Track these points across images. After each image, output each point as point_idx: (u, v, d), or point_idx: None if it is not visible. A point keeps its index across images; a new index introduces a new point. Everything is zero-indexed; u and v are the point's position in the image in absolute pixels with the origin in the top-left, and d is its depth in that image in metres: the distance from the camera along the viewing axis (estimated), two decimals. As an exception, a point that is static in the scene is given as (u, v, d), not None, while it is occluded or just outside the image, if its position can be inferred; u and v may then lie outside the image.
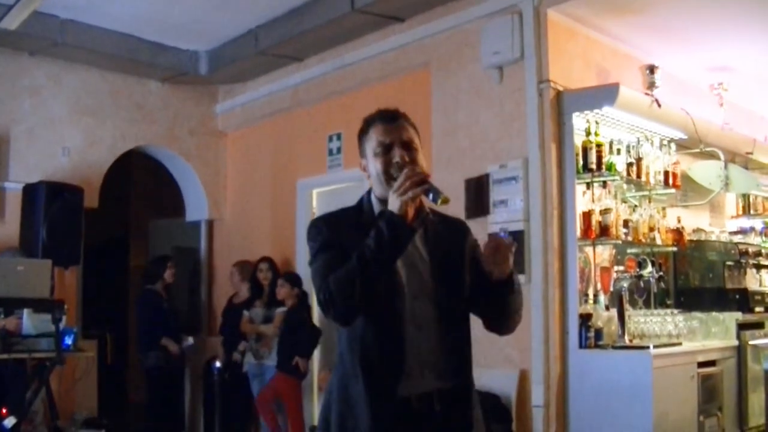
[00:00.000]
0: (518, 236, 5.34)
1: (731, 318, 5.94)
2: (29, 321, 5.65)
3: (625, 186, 5.79)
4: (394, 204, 2.37)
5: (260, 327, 7.02)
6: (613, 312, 5.45)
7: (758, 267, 6.67)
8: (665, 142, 5.96)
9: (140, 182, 11.11)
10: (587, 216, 5.41)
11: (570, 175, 5.39)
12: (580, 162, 5.42)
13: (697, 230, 6.53)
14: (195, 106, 8.39)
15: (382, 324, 2.47)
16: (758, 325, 6.11)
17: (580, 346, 5.23)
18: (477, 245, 2.67)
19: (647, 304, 5.84)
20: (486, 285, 2.52)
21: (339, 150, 7.16)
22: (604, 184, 5.56)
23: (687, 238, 6.22)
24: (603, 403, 5.07)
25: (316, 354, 7.03)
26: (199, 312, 8.62)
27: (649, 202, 5.94)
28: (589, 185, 5.53)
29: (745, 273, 6.47)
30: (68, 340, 5.86)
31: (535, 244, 5.33)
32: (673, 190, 6.00)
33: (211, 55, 7.76)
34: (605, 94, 5.38)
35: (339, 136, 7.16)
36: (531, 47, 5.46)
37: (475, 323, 2.64)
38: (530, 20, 5.47)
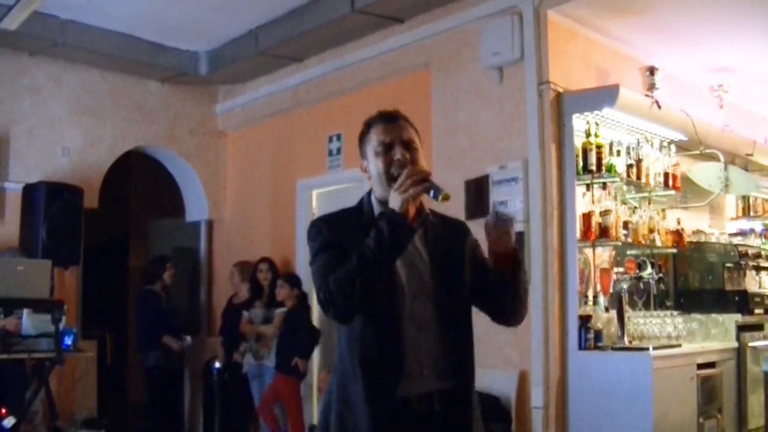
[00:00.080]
0: (518, 237, 5.33)
1: (731, 320, 5.94)
2: (29, 321, 5.65)
3: (624, 187, 5.79)
4: (395, 202, 2.39)
5: (260, 327, 7.02)
6: (613, 313, 5.46)
7: (758, 269, 6.66)
8: (665, 144, 5.96)
9: (140, 182, 11.11)
10: (587, 217, 5.41)
11: (570, 177, 5.39)
12: (580, 163, 5.42)
13: (697, 232, 6.53)
14: (195, 106, 8.39)
15: (381, 324, 2.47)
16: (758, 327, 6.10)
17: (580, 348, 5.23)
18: (477, 245, 2.68)
19: (647, 306, 5.84)
20: (490, 277, 2.57)
21: (339, 150, 7.16)
22: (604, 186, 5.56)
23: (687, 239, 6.22)
24: (602, 405, 5.07)
25: (316, 354, 7.03)
26: (199, 312, 8.61)
27: (649, 203, 5.94)
28: (588, 186, 5.53)
29: (745, 275, 6.46)
30: (68, 341, 5.86)
31: (535, 245, 5.33)
32: (672, 192, 6.00)
33: (211, 56, 7.76)
34: (605, 96, 5.38)
35: (339, 137, 7.16)
36: (531, 48, 5.46)
37: (477, 323, 2.63)
38: (530, 21, 5.46)
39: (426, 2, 6.04)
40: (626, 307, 5.42)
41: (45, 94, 7.36)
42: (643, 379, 4.91)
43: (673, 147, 6.00)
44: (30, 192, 6.85)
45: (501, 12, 5.63)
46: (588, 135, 5.45)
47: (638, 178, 5.70)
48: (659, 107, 5.71)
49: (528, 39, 5.47)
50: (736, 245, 6.58)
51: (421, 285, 2.53)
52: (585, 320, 5.26)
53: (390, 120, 2.62)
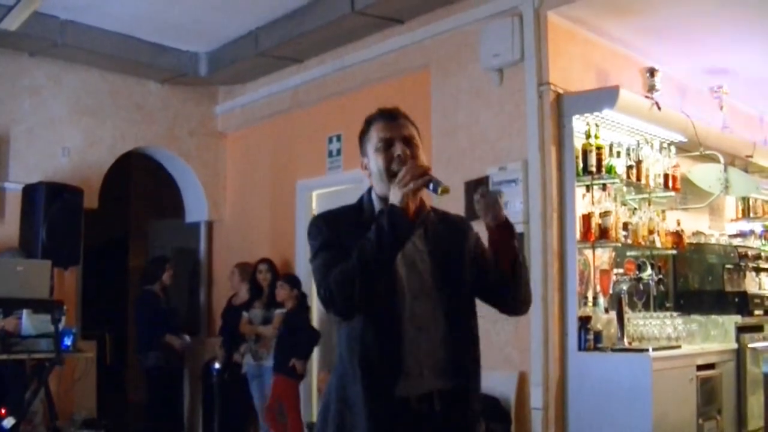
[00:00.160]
0: (518, 238, 5.32)
1: (730, 321, 5.94)
2: (29, 321, 5.66)
3: (624, 189, 5.80)
4: (395, 197, 2.39)
5: (259, 328, 7.01)
6: (613, 314, 5.46)
7: (758, 270, 6.66)
8: (665, 145, 5.96)
9: (140, 183, 11.11)
10: (587, 218, 5.41)
11: (570, 178, 5.39)
12: (580, 164, 5.42)
13: (697, 233, 6.53)
14: (195, 106, 8.39)
15: (381, 324, 2.47)
16: (757, 328, 6.10)
17: (579, 349, 5.23)
18: (479, 241, 2.69)
19: (646, 307, 5.85)
20: (491, 276, 2.58)
21: (339, 151, 7.16)
22: (604, 187, 5.56)
23: (686, 240, 6.22)
24: (602, 406, 5.07)
25: (315, 355, 7.03)
26: (198, 313, 8.62)
27: (649, 204, 5.94)
28: (588, 188, 5.53)
29: (745, 276, 6.46)
30: (67, 341, 5.87)
31: (535, 246, 5.33)
32: (672, 193, 6.01)
33: (211, 56, 7.76)
34: (605, 97, 5.39)
35: (339, 138, 7.16)
36: (531, 49, 5.46)
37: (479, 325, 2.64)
38: (530, 22, 5.47)
39: (426, 3, 6.05)
40: (626, 308, 5.42)
41: (45, 95, 7.36)
42: (642, 381, 4.91)
43: (673, 148, 6.00)
44: (30, 192, 6.85)
45: (501, 13, 5.63)
46: (588, 136, 5.46)
47: (638, 179, 5.71)
48: (659, 109, 5.71)
49: (528, 40, 5.47)
50: (735, 246, 6.58)
51: (422, 284, 2.53)
52: (585, 321, 5.26)
53: (390, 117, 2.63)
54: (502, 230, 2.59)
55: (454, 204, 5.24)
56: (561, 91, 5.46)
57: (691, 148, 6.20)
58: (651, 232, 5.81)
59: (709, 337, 5.97)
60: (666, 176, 5.90)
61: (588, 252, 5.52)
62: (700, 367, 5.44)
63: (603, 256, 5.64)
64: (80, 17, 6.85)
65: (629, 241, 5.62)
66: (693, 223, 6.60)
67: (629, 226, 5.63)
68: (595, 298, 5.47)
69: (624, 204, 5.75)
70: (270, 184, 8.01)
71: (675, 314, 5.92)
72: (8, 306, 5.67)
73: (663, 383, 4.97)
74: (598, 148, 5.45)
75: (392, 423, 2.44)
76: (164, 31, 7.22)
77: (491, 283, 2.61)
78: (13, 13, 6.00)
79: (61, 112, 7.45)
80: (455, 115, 5.98)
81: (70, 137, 7.48)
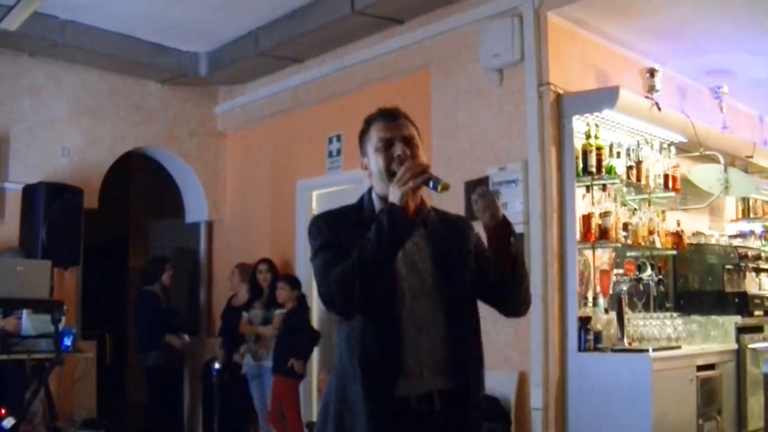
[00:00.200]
0: (518, 239, 5.32)
1: (730, 321, 5.93)
2: (29, 321, 5.66)
3: (624, 189, 5.79)
4: (395, 195, 2.40)
5: (259, 328, 7.01)
6: (613, 315, 5.46)
7: (757, 270, 6.66)
8: (665, 146, 5.96)
9: (140, 183, 11.11)
10: (587, 219, 5.41)
11: (570, 178, 5.39)
12: (580, 165, 5.42)
13: (697, 233, 6.53)
14: (195, 107, 8.39)
15: (381, 324, 2.47)
16: (757, 329, 6.10)
17: (579, 349, 5.23)
18: (480, 241, 2.69)
19: (646, 308, 5.85)
20: (490, 277, 2.59)
21: (339, 152, 7.16)
22: (604, 187, 5.56)
23: (686, 241, 6.22)
24: (602, 407, 5.07)
25: (315, 355, 7.03)
26: (198, 313, 8.62)
27: (649, 205, 5.94)
28: (588, 188, 5.53)
29: (745, 276, 6.46)
30: (67, 341, 5.87)
31: (535, 246, 5.33)
32: (672, 194, 6.01)
33: (211, 56, 7.76)
34: (605, 97, 5.39)
35: (339, 138, 7.16)
36: (531, 50, 5.46)
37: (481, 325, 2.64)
38: (530, 23, 5.46)
39: (426, 3, 6.05)
40: (626, 309, 5.42)
41: (45, 95, 7.36)
42: (642, 381, 4.91)
43: (673, 149, 6.00)
44: (30, 192, 6.85)
45: (501, 14, 5.63)
46: (588, 137, 5.46)
47: (638, 179, 5.71)
48: (659, 109, 5.71)
49: (528, 41, 5.47)
50: (735, 247, 6.58)
51: (422, 284, 2.53)
52: (585, 322, 5.26)
53: (390, 117, 2.63)
54: (501, 230, 2.58)
55: (454, 204, 5.25)
56: (561, 92, 5.46)
57: (691, 148, 6.20)
58: (651, 232, 5.81)
59: (709, 338, 5.97)
60: (666, 177, 5.90)
61: (588, 252, 5.52)
62: (700, 368, 5.44)
63: (603, 256, 5.64)
64: (80, 17, 6.85)
65: (629, 242, 5.62)
66: (693, 224, 6.60)
67: (629, 227, 5.63)
68: (595, 298, 5.47)
69: (624, 204, 5.75)
70: (270, 185, 8.01)
71: (675, 315, 5.92)
72: (8, 306, 5.67)
73: (663, 384, 4.97)
74: (598, 148, 5.45)
75: (392, 423, 2.44)
76: (164, 31, 7.22)
77: (491, 283, 2.61)
78: (13, 13, 6.00)
79: (61, 112, 7.45)
80: (455, 116, 5.98)
81: (70, 137, 7.48)
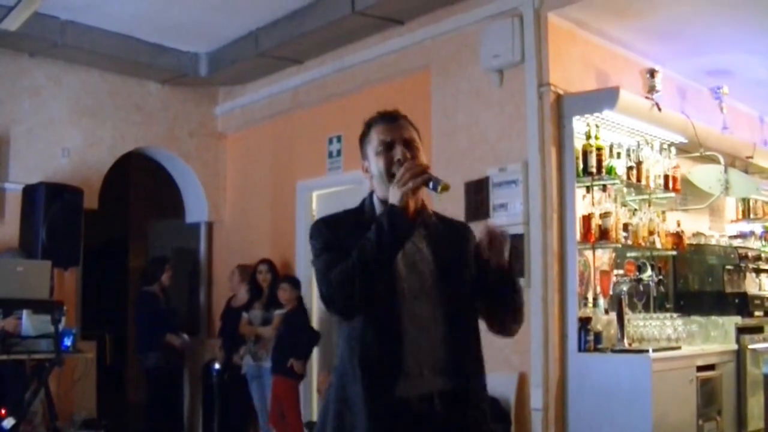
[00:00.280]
0: (518, 239, 5.33)
1: (730, 322, 5.93)
2: (29, 322, 5.66)
3: (625, 189, 5.79)
4: (394, 196, 2.40)
5: (259, 329, 7.01)
6: (613, 315, 5.45)
7: (758, 271, 6.66)
8: (665, 146, 5.96)
9: (140, 183, 11.11)
10: (587, 219, 5.41)
11: (570, 179, 5.39)
12: (580, 165, 5.42)
13: (697, 234, 6.53)
14: (195, 107, 8.39)
15: (381, 324, 2.47)
16: (757, 329, 6.10)
17: (579, 350, 5.23)
18: (479, 248, 2.68)
19: (646, 308, 5.85)
20: (486, 282, 2.56)
21: (339, 152, 7.16)
22: (604, 188, 5.56)
23: (686, 241, 6.23)
24: (602, 407, 5.07)
25: (315, 356, 7.03)
26: (198, 313, 8.62)
27: (649, 205, 5.94)
28: (589, 189, 5.53)
29: (745, 277, 6.47)
30: (67, 341, 5.87)
31: (535, 247, 5.33)
32: (672, 194, 6.01)
33: (211, 57, 7.76)
34: (605, 98, 5.39)
35: (339, 138, 7.16)
36: (531, 50, 5.46)
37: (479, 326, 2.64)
38: (531, 23, 5.46)
39: (426, 4, 6.04)
40: (626, 309, 5.42)
41: (45, 95, 7.36)
42: (642, 382, 4.91)
43: (673, 149, 6.00)
44: (30, 192, 6.85)
45: (501, 14, 5.63)
46: (588, 137, 5.46)
47: (638, 180, 5.71)
48: (659, 109, 5.71)
49: (528, 41, 5.47)
50: (736, 247, 6.59)
51: (422, 285, 2.53)
52: (585, 322, 5.26)
53: (390, 119, 2.63)
54: (501, 277, 2.56)
55: (454, 205, 5.26)
56: (561, 92, 5.47)
57: (692, 149, 6.21)
58: (651, 233, 5.81)
59: (709, 338, 5.97)
60: (666, 177, 5.90)
61: (588, 253, 5.51)
62: (700, 368, 5.44)
63: (603, 257, 5.64)
64: (80, 17, 6.85)
65: (629, 242, 5.62)
66: (693, 224, 6.60)
67: (629, 227, 5.63)
68: (595, 299, 5.47)
69: (624, 205, 5.75)
70: (270, 185, 8.01)
71: (675, 315, 5.92)
72: (8, 306, 5.67)
73: (663, 384, 4.97)
74: (599, 149, 5.45)
75: (392, 423, 2.44)
76: (164, 31, 7.22)
77: (491, 283, 2.61)
78: (14, 13, 6.00)
79: (61, 113, 7.45)
80: (455, 116, 5.98)
81: (70, 138, 7.48)
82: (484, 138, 5.76)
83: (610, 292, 5.52)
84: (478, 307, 2.64)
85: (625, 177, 5.62)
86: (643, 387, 4.90)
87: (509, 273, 2.58)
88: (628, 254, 5.85)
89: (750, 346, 5.91)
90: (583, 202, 5.50)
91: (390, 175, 2.53)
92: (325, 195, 7.39)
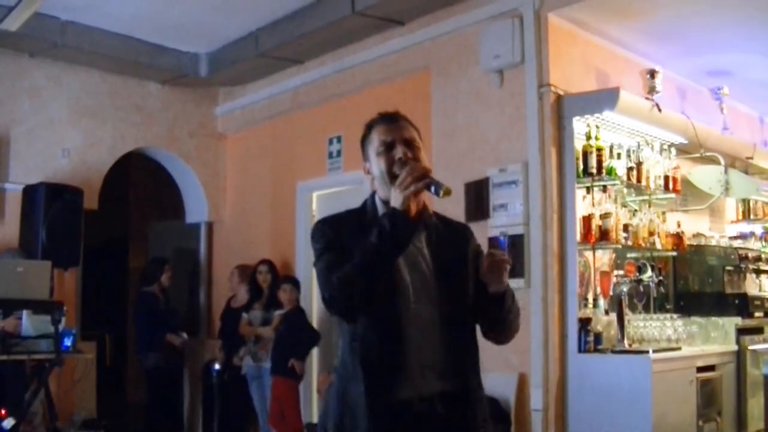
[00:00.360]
0: (518, 240, 5.34)
1: (731, 323, 5.93)
2: (29, 322, 5.66)
3: (625, 190, 5.79)
4: (396, 200, 2.40)
5: (258, 329, 7.01)
6: (613, 316, 5.45)
7: (758, 272, 6.66)
8: (665, 147, 5.96)
9: (140, 184, 11.12)
10: (587, 220, 5.41)
11: (570, 180, 5.39)
12: (581, 166, 5.42)
13: (697, 235, 6.53)
14: (195, 108, 8.39)
15: (383, 325, 2.47)
16: (758, 330, 6.10)
17: (580, 351, 5.22)
18: (480, 251, 2.68)
19: (647, 309, 5.84)
20: (483, 295, 2.56)
21: (339, 153, 7.16)
22: (604, 189, 5.56)
23: (687, 242, 6.22)
24: (602, 408, 5.07)
25: (315, 356, 7.03)
26: (198, 314, 8.61)
27: (649, 206, 5.94)
28: (589, 189, 5.52)
29: (745, 278, 6.46)
30: (67, 342, 5.87)
31: (535, 248, 5.33)
32: (673, 195, 6.01)
33: (212, 57, 7.76)
34: (606, 99, 5.39)
35: (339, 139, 7.16)
36: (531, 51, 5.46)
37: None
38: (531, 24, 5.46)
39: (426, 5, 6.04)
40: (626, 310, 5.41)
41: (45, 95, 7.36)
42: (642, 383, 4.91)
43: (673, 150, 6.00)
44: (30, 193, 6.85)
45: (502, 15, 5.63)
46: (588, 138, 5.46)
47: (638, 181, 5.71)
48: (659, 110, 5.71)
49: (528, 42, 5.47)
50: (736, 248, 6.59)
51: (424, 286, 2.53)
52: (585, 323, 5.26)
53: (391, 120, 2.64)
54: (498, 298, 2.57)
55: (454, 205, 5.25)
56: (561, 93, 5.46)
57: (692, 149, 6.21)
58: (651, 233, 5.81)
59: (710, 339, 5.97)
60: (666, 178, 5.90)
61: (588, 253, 5.51)
62: (700, 369, 5.44)
63: (603, 257, 5.63)
64: (80, 18, 6.84)
65: (629, 243, 5.62)
66: (693, 225, 6.60)
67: (629, 228, 5.62)
68: (595, 299, 5.47)
69: (624, 206, 5.75)
70: (270, 186, 8.01)
71: (675, 316, 5.92)
72: (8, 307, 5.67)
73: (663, 385, 4.97)
74: (599, 149, 5.45)
75: (393, 424, 2.44)
76: (164, 31, 7.22)
77: (488, 303, 2.60)
78: (14, 13, 6.00)
79: (61, 113, 7.45)
80: (455, 117, 5.98)
81: (70, 138, 7.48)
82: (484, 138, 5.76)
83: (610, 293, 5.52)
84: (480, 304, 2.64)
85: (625, 178, 5.62)
86: (643, 388, 4.89)
87: (507, 295, 2.58)
88: (629, 255, 5.85)
89: (750, 347, 5.91)
90: (584, 203, 5.50)
91: (391, 175, 2.53)
92: (326, 195, 7.39)
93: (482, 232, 5.29)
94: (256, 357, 6.97)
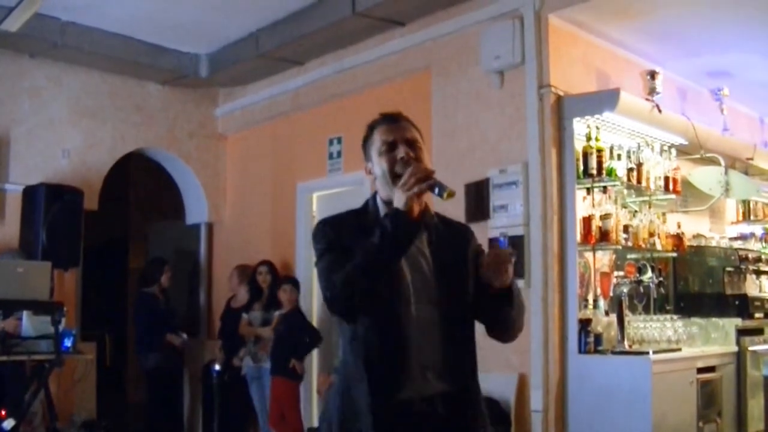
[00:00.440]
0: (518, 241, 5.34)
1: (731, 324, 5.93)
2: (29, 322, 5.65)
3: (625, 191, 5.79)
4: (399, 200, 2.40)
5: (258, 330, 7.01)
6: (613, 317, 5.45)
7: (758, 273, 6.65)
8: (666, 148, 5.96)
9: (140, 184, 11.11)
10: (587, 221, 5.42)
11: (570, 180, 5.39)
12: (581, 167, 5.42)
13: (697, 236, 6.53)
14: (195, 108, 8.39)
15: (384, 326, 2.47)
16: (758, 331, 6.10)
17: (580, 351, 5.22)
18: (481, 251, 2.67)
19: (647, 310, 5.84)
20: (487, 294, 2.54)
21: (339, 153, 7.16)
22: (605, 190, 5.56)
23: (687, 243, 6.22)
24: (602, 409, 5.07)
25: (316, 357, 7.03)
26: (198, 314, 8.61)
27: (650, 207, 5.94)
28: (589, 190, 5.53)
29: (745, 279, 6.46)
30: (67, 342, 5.86)
31: (535, 248, 5.33)
32: (673, 196, 6.01)
33: (212, 58, 7.76)
34: (606, 100, 5.39)
35: (339, 140, 7.16)
36: (532, 52, 5.46)
37: (477, 328, 2.64)
38: (531, 25, 5.47)
39: (427, 5, 6.04)
40: (626, 311, 5.41)
41: (45, 96, 7.36)
42: (642, 383, 4.91)
43: (673, 151, 6.00)
44: (30, 193, 6.85)
45: (502, 16, 5.63)
46: (588, 139, 5.46)
47: (639, 182, 5.71)
48: (660, 111, 5.71)
49: (529, 43, 5.47)
50: (736, 249, 6.59)
51: (425, 286, 2.53)
52: (585, 324, 5.26)
53: (393, 120, 2.64)
54: (502, 297, 2.54)
55: (454, 206, 5.24)
56: (561, 94, 5.47)
57: (692, 150, 6.21)
58: (651, 234, 5.81)
59: (710, 340, 5.97)
60: (666, 179, 5.91)
61: (588, 254, 5.51)
62: (700, 370, 5.44)
63: (603, 258, 5.63)
64: (80, 18, 6.84)
65: (630, 244, 5.62)
66: (693, 226, 6.60)
67: (630, 229, 5.62)
68: (595, 300, 5.47)
69: (624, 207, 5.75)
70: (270, 186, 8.01)
71: (675, 317, 5.92)
72: (8, 307, 5.66)
73: (663, 386, 4.97)
74: (599, 150, 5.45)
75: (394, 424, 2.44)
76: (164, 32, 7.21)
77: (491, 300, 2.59)
78: (14, 14, 6.00)
79: (62, 114, 7.45)
80: (456, 117, 5.98)
81: (71, 139, 7.47)
82: (484, 139, 5.76)
83: (611, 294, 5.51)
84: (478, 314, 2.64)
85: (625, 179, 5.62)
86: (643, 389, 4.89)
87: (510, 290, 2.54)
88: (629, 256, 5.85)
89: (750, 348, 5.91)
90: (584, 204, 5.50)
91: (393, 175, 2.53)
92: (326, 196, 7.39)
93: (482, 233, 5.28)
94: (256, 357, 6.97)
